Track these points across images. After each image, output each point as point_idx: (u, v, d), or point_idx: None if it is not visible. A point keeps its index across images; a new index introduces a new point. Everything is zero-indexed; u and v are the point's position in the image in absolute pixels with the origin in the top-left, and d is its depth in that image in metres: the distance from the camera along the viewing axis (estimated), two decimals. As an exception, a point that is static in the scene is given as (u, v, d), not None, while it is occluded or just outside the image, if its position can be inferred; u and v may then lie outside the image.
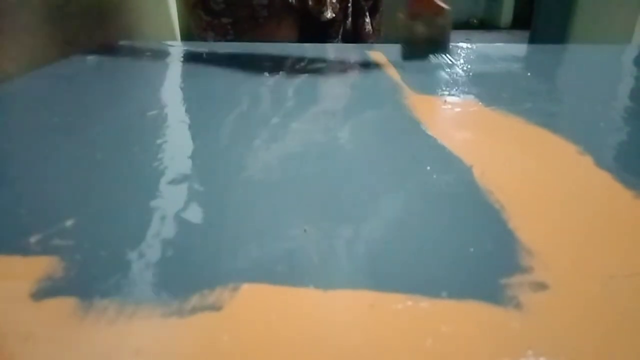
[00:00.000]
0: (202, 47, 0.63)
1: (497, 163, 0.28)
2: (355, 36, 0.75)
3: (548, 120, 0.35)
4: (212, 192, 0.25)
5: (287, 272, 0.18)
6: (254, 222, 0.22)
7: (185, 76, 0.52)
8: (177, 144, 0.31)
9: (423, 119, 0.35)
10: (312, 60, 0.55)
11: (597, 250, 0.20)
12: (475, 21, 4.18)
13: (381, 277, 0.18)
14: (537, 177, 0.26)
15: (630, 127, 0.35)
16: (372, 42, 0.75)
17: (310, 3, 0.66)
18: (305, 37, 0.69)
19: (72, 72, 0.50)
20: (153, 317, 0.16)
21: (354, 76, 0.51)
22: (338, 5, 0.70)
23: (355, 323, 0.16)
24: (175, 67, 0.56)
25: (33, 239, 0.20)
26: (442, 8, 0.51)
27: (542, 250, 0.20)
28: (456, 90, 0.43)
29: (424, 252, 0.20)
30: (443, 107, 0.38)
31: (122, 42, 0.64)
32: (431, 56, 0.53)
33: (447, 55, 0.54)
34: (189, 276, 0.18)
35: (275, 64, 0.53)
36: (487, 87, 0.45)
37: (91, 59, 0.54)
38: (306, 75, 0.48)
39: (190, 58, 0.59)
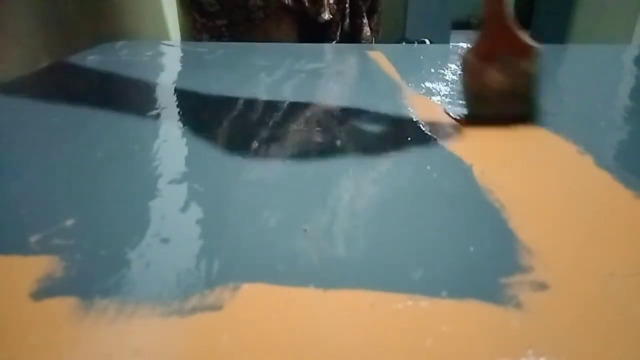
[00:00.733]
0: (201, 47, 0.63)
1: (497, 162, 0.28)
2: (353, 37, 0.75)
3: (548, 119, 0.35)
4: (212, 192, 0.25)
5: (287, 271, 0.18)
6: (254, 221, 0.22)
7: (185, 76, 0.52)
8: (177, 144, 0.31)
9: (422, 118, 0.35)
10: (311, 61, 0.55)
11: (598, 249, 0.20)
12: (475, 21, 4.18)
13: (381, 277, 0.18)
14: (537, 176, 0.26)
15: (631, 126, 0.35)
16: (372, 42, 0.75)
17: (307, 4, 0.66)
18: (303, 39, 0.69)
19: (72, 72, 0.50)
20: (153, 316, 0.16)
21: (353, 76, 0.51)
22: (335, 7, 0.70)
23: (356, 323, 0.16)
24: (175, 67, 0.56)
25: (33, 239, 0.20)
26: (530, 47, 0.33)
27: (542, 249, 0.20)
28: (456, 90, 0.43)
29: (423, 251, 0.20)
30: (443, 107, 0.38)
31: (122, 42, 0.64)
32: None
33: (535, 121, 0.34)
34: (189, 276, 0.18)
35: (273, 64, 0.53)
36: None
37: (91, 59, 0.54)
38: (305, 75, 0.48)
39: (191, 58, 0.59)
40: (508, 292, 0.17)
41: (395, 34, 2.02)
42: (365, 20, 0.75)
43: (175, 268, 0.19)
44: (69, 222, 0.22)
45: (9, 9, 0.49)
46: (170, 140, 0.32)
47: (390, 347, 0.15)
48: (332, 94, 0.44)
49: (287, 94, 0.42)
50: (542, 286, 0.17)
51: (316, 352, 0.15)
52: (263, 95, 0.42)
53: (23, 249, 0.20)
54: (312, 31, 0.69)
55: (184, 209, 0.23)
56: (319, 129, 0.34)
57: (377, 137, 0.33)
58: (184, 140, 0.32)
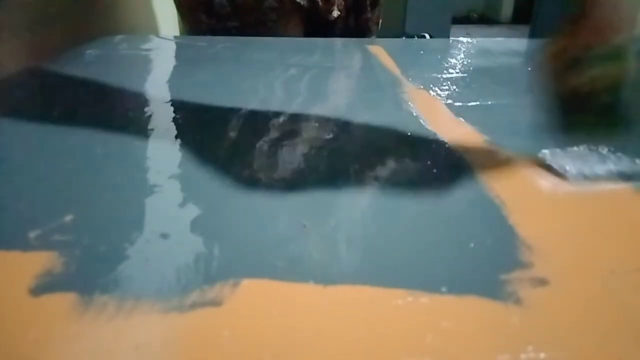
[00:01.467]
0: (200, 42, 0.62)
1: (498, 158, 0.28)
2: (357, 31, 0.74)
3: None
4: (212, 188, 0.25)
5: (287, 267, 0.18)
6: (255, 217, 0.22)
7: (184, 70, 0.52)
8: (176, 140, 0.31)
9: (422, 113, 0.35)
10: (311, 55, 0.55)
11: (598, 246, 0.20)
12: (475, 15, 4.17)
13: (381, 273, 0.18)
14: (538, 172, 0.26)
15: (630, 120, 0.35)
16: (373, 37, 0.74)
17: (320, 3, 0.65)
18: (308, 36, 0.68)
19: (72, 66, 0.50)
20: (153, 312, 0.16)
21: (353, 70, 0.50)
22: (343, 3, 0.69)
23: (355, 318, 0.16)
24: (174, 62, 0.55)
25: (32, 235, 0.20)
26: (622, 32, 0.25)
27: (542, 246, 0.20)
28: (456, 84, 0.43)
29: (424, 247, 0.20)
30: (443, 101, 0.38)
31: (120, 36, 0.64)
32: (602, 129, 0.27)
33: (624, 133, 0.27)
34: (189, 271, 0.18)
35: (273, 59, 0.52)
36: (487, 81, 0.44)
37: (90, 53, 0.54)
38: (304, 69, 0.48)
39: (190, 52, 0.59)
40: (508, 288, 0.17)
41: (395, 28, 2.02)
42: (369, 15, 0.74)
43: (174, 264, 0.18)
44: (68, 218, 0.22)
45: (8, 4, 0.48)
46: (170, 136, 0.31)
47: (390, 342, 0.15)
48: (332, 87, 0.44)
49: (288, 87, 0.42)
50: (542, 282, 0.17)
51: (316, 348, 0.15)
52: (263, 89, 0.42)
53: (22, 245, 0.19)
54: (318, 28, 0.69)
55: (184, 204, 0.23)
56: (317, 123, 0.34)
57: (376, 132, 0.33)
58: (184, 135, 0.32)
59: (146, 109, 0.36)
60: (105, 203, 0.23)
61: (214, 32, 0.65)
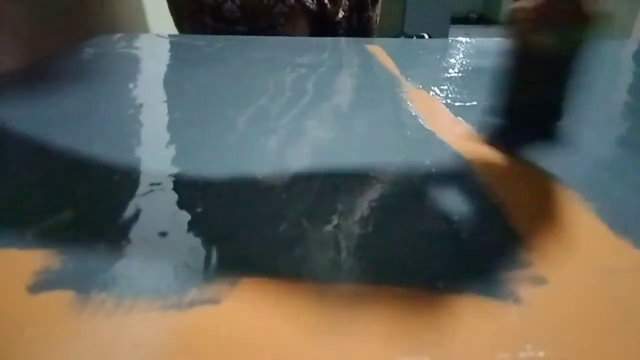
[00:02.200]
0: (199, 40, 0.62)
1: (497, 157, 0.28)
2: (360, 30, 0.74)
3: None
4: (211, 186, 0.25)
5: (285, 266, 0.18)
6: (254, 217, 0.22)
7: (183, 69, 0.52)
8: (176, 138, 0.31)
9: (421, 112, 0.35)
10: (309, 54, 0.55)
11: (597, 245, 0.20)
12: (474, 16, 4.17)
13: (380, 271, 0.18)
14: (537, 171, 0.26)
15: (628, 121, 0.35)
16: (373, 35, 0.74)
17: (328, 6, 0.65)
18: (313, 37, 0.69)
19: (70, 63, 0.50)
20: (151, 310, 0.16)
21: (351, 70, 0.50)
22: (347, 3, 0.69)
23: (354, 317, 0.16)
24: (173, 60, 0.55)
25: (30, 233, 0.20)
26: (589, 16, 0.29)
27: (541, 245, 0.20)
28: (455, 84, 0.43)
29: (423, 245, 0.20)
30: (442, 101, 0.38)
31: (118, 35, 0.64)
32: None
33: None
34: (188, 270, 0.18)
35: (271, 58, 0.52)
36: (486, 81, 0.44)
37: (88, 51, 0.54)
38: (303, 69, 0.48)
39: (189, 51, 0.58)
40: (507, 287, 0.17)
41: (394, 28, 2.02)
42: (371, 14, 0.74)
43: (173, 262, 0.18)
44: (67, 216, 0.21)
45: (6, 1, 0.48)
46: (167, 134, 0.31)
47: (389, 341, 0.15)
48: (330, 87, 0.44)
49: (286, 87, 0.42)
50: (541, 281, 0.17)
51: (314, 346, 0.15)
52: (259, 88, 0.42)
53: (20, 243, 0.19)
54: (323, 29, 0.69)
55: (182, 203, 0.23)
56: (315, 122, 0.34)
57: (375, 132, 0.33)
58: (182, 133, 0.32)
59: (145, 107, 0.36)
60: (104, 201, 0.23)
61: (218, 35, 0.64)
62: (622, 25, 1.46)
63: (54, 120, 0.34)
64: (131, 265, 0.18)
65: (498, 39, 0.72)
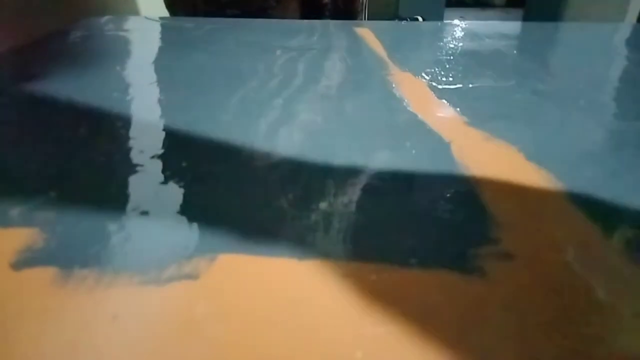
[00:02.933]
0: (188, 23, 0.62)
1: (476, 139, 0.28)
2: (346, 13, 0.74)
3: (532, 97, 0.36)
4: (193, 167, 0.25)
5: (263, 243, 0.19)
6: (232, 195, 0.22)
7: (170, 52, 0.52)
8: (159, 120, 0.31)
9: (406, 95, 0.36)
10: (296, 37, 0.55)
11: (564, 223, 0.20)
12: (470, -1, 4.13)
13: (355, 248, 0.19)
14: (512, 152, 0.27)
15: (611, 105, 0.35)
16: (360, 18, 0.74)
17: None
18: (303, 18, 0.68)
19: (57, 47, 0.50)
20: (131, 285, 0.16)
21: (338, 53, 0.50)
22: None
23: (328, 291, 0.17)
24: (161, 43, 0.55)
25: (14, 211, 0.21)
26: None
27: (512, 223, 0.20)
28: (441, 67, 0.43)
29: (398, 224, 0.20)
30: (427, 83, 0.38)
31: (107, 17, 0.63)
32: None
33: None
34: (167, 247, 0.19)
35: (259, 41, 0.52)
36: (472, 64, 0.45)
37: (76, 33, 0.54)
38: (290, 51, 0.48)
39: (177, 33, 0.58)
40: (475, 262, 0.18)
41: (388, 11, 2.00)
42: None
43: (153, 240, 0.19)
44: (51, 196, 0.22)
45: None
46: (153, 116, 0.32)
47: (359, 313, 0.16)
48: (316, 70, 0.44)
49: (273, 69, 0.42)
50: (507, 257, 0.18)
51: (289, 320, 0.15)
52: (248, 71, 0.42)
53: (4, 221, 0.20)
54: (310, 12, 0.69)
55: (164, 183, 0.23)
56: (301, 105, 0.34)
57: (359, 114, 0.33)
58: (167, 115, 0.32)
59: (132, 90, 0.37)
60: (88, 181, 0.23)
61: (209, 17, 0.64)
62: (616, 8, 1.46)
63: (41, 103, 0.34)
64: (112, 243, 0.19)
65: (490, 22, 0.71)
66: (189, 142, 0.28)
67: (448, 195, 0.23)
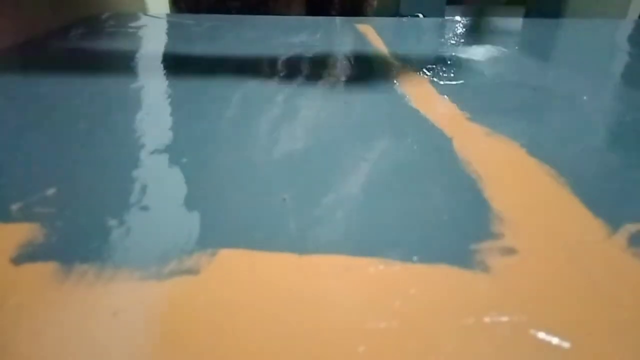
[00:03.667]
0: (188, 19, 0.62)
1: (478, 135, 0.28)
2: (353, 10, 0.74)
3: (533, 93, 0.35)
4: (193, 163, 0.25)
5: (264, 237, 0.19)
6: (233, 190, 0.22)
7: (171, 48, 0.51)
8: (161, 117, 0.31)
9: (408, 91, 0.35)
10: (298, 34, 0.55)
11: (568, 217, 0.20)
12: (471, -4, 4.12)
13: (356, 243, 0.19)
14: (515, 147, 0.27)
15: (612, 101, 0.35)
16: (368, 14, 0.74)
17: None
18: (309, 14, 0.68)
19: (57, 43, 0.50)
20: (131, 280, 0.16)
21: (339, 49, 0.50)
22: None
23: (329, 285, 0.16)
24: (161, 39, 0.55)
25: (14, 207, 0.21)
26: None
27: (514, 218, 0.20)
28: (442, 63, 0.43)
29: (399, 218, 0.20)
30: (428, 79, 0.38)
31: (107, 14, 0.63)
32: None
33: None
34: (168, 242, 0.18)
35: (261, 37, 0.52)
36: (474, 60, 0.44)
37: (76, 30, 0.54)
38: (290, 48, 0.48)
39: (177, 30, 0.58)
40: (477, 257, 0.18)
41: (389, 9, 2.00)
42: None
43: (154, 235, 0.19)
44: (51, 191, 0.22)
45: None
46: (154, 112, 0.32)
47: (360, 308, 0.15)
48: (319, 66, 0.44)
49: (274, 66, 0.42)
50: (510, 251, 0.18)
51: (291, 315, 0.15)
52: (250, 67, 0.42)
53: (4, 217, 0.20)
54: (317, 8, 0.68)
55: (165, 178, 0.23)
56: (301, 101, 0.34)
57: (359, 110, 0.33)
58: (167, 112, 0.32)
59: (132, 86, 0.36)
60: (89, 177, 0.23)
61: (210, 12, 0.64)
62: (617, 5, 1.45)
63: (40, 99, 0.34)
64: (113, 238, 0.19)
65: (492, 18, 0.71)
66: (189, 137, 0.28)
67: (450, 190, 0.23)
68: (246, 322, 0.15)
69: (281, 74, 0.40)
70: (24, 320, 0.15)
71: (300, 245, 0.18)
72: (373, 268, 0.17)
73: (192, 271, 0.17)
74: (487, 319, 0.15)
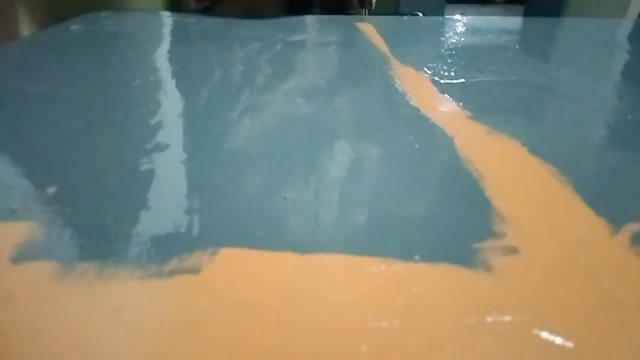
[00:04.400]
0: (188, 18, 0.61)
1: (479, 133, 0.28)
2: (338, 5, 0.73)
3: (534, 91, 0.35)
4: (193, 160, 0.25)
5: (265, 237, 0.19)
6: (235, 189, 0.22)
7: (170, 46, 0.51)
8: (160, 114, 0.31)
9: (408, 90, 0.35)
10: (299, 32, 0.54)
11: (570, 217, 0.20)
12: (471, -5, 4.11)
13: (357, 242, 0.19)
14: (516, 146, 0.27)
15: (614, 100, 0.35)
16: (355, 12, 0.73)
17: None
18: (289, 10, 0.68)
19: (57, 41, 0.49)
20: (131, 279, 0.16)
21: (340, 47, 0.50)
22: None
23: (330, 284, 0.16)
24: (160, 38, 0.55)
25: (15, 205, 0.20)
26: None
27: (516, 217, 0.20)
28: (443, 62, 0.43)
29: (401, 217, 0.20)
30: (429, 78, 0.38)
31: (106, 12, 0.63)
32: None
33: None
34: (169, 241, 0.18)
35: (261, 36, 0.52)
36: (474, 59, 0.44)
37: (75, 28, 0.53)
38: (293, 46, 0.48)
39: (176, 28, 0.58)
40: (480, 256, 0.18)
41: (389, 7, 1.99)
42: None
43: (154, 234, 0.19)
44: (51, 190, 0.22)
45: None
46: (154, 110, 0.31)
47: (362, 306, 0.15)
48: (319, 64, 0.44)
49: (274, 64, 0.42)
50: (512, 251, 0.18)
51: (292, 315, 0.15)
52: (250, 66, 0.42)
53: (4, 215, 0.20)
54: (299, 3, 0.68)
55: (165, 176, 0.23)
56: (305, 98, 0.34)
57: (361, 108, 0.33)
58: (167, 109, 0.32)
59: (131, 84, 0.36)
60: (88, 175, 0.23)
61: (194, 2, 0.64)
62: (617, 4, 1.45)
63: (40, 96, 0.33)
64: (113, 237, 0.19)
65: (491, 17, 0.71)
66: (189, 136, 0.28)
67: (451, 189, 0.23)
68: (247, 321, 0.15)
69: (282, 72, 0.40)
70: (23, 320, 0.15)
71: (301, 244, 0.18)
72: (375, 267, 0.17)
73: (193, 270, 0.17)
74: (489, 319, 0.15)
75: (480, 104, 0.33)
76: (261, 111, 0.31)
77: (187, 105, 0.33)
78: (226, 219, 0.20)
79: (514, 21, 0.71)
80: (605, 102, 0.35)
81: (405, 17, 0.68)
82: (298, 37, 0.51)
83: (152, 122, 0.30)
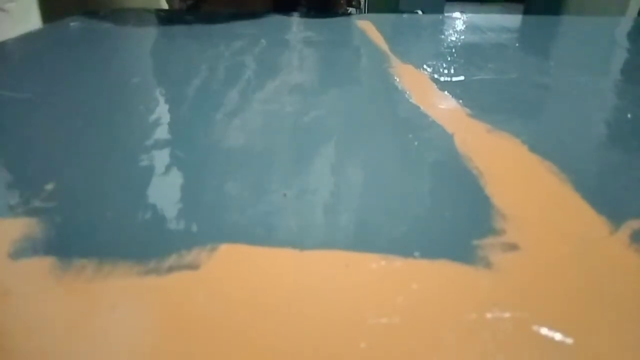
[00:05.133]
0: (186, 15, 0.61)
1: (479, 131, 0.28)
2: (324, 3, 0.72)
3: (534, 89, 0.35)
4: (192, 158, 0.25)
5: (265, 233, 0.19)
6: (234, 186, 0.22)
7: (168, 44, 0.51)
8: (159, 112, 0.31)
9: (408, 87, 0.35)
10: (298, 30, 0.54)
11: (570, 214, 0.20)
12: (470, -7, 4.11)
13: (357, 238, 0.18)
14: (516, 144, 0.27)
15: (613, 98, 0.35)
16: (342, 10, 0.73)
17: None
18: (276, 8, 0.67)
19: (55, 38, 0.49)
20: (130, 275, 0.16)
21: (339, 45, 0.50)
22: None
23: (330, 281, 0.16)
24: (158, 36, 0.54)
25: (13, 202, 0.20)
26: None
27: (516, 214, 0.20)
28: (443, 60, 0.43)
29: (400, 214, 0.20)
30: (429, 76, 0.38)
31: (104, 10, 0.63)
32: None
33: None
34: (167, 237, 0.18)
35: (261, 34, 0.52)
36: (474, 57, 0.44)
37: (74, 25, 0.53)
38: (293, 44, 0.47)
39: (174, 26, 0.58)
40: (479, 252, 0.18)
41: (388, 5, 1.99)
42: None
43: (153, 230, 0.19)
44: (49, 187, 0.22)
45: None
46: (152, 108, 0.31)
47: (362, 303, 0.15)
48: (317, 61, 0.44)
49: (275, 62, 0.42)
50: (512, 247, 0.18)
51: (291, 311, 0.15)
52: (247, 64, 0.42)
53: (2, 212, 0.20)
54: (283, 2, 0.68)
55: (164, 173, 0.23)
56: (304, 95, 0.34)
57: (360, 106, 0.33)
58: (165, 107, 0.32)
59: (129, 82, 0.36)
60: (86, 172, 0.23)
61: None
62: (617, 3, 1.45)
63: (39, 94, 0.33)
64: (112, 233, 0.18)
65: (490, 15, 0.71)
66: (187, 132, 0.28)
67: (451, 186, 0.23)
68: (246, 318, 0.15)
69: (280, 70, 0.40)
70: (21, 316, 0.15)
71: (301, 240, 0.18)
72: (375, 264, 0.17)
73: (192, 266, 0.17)
74: (489, 315, 0.15)
75: (480, 101, 0.33)
76: (259, 108, 0.31)
77: (185, 101, 0.32)
78: (225, 215, 0.20)
79: (513, 19, 0.71)
80: (605, 99, 0.35)
81: (405, 15, 0.68)
82: (297, 35, 0.51)
83: (151, 120, 0.29)
